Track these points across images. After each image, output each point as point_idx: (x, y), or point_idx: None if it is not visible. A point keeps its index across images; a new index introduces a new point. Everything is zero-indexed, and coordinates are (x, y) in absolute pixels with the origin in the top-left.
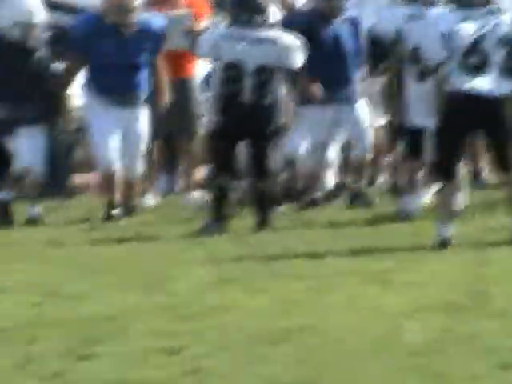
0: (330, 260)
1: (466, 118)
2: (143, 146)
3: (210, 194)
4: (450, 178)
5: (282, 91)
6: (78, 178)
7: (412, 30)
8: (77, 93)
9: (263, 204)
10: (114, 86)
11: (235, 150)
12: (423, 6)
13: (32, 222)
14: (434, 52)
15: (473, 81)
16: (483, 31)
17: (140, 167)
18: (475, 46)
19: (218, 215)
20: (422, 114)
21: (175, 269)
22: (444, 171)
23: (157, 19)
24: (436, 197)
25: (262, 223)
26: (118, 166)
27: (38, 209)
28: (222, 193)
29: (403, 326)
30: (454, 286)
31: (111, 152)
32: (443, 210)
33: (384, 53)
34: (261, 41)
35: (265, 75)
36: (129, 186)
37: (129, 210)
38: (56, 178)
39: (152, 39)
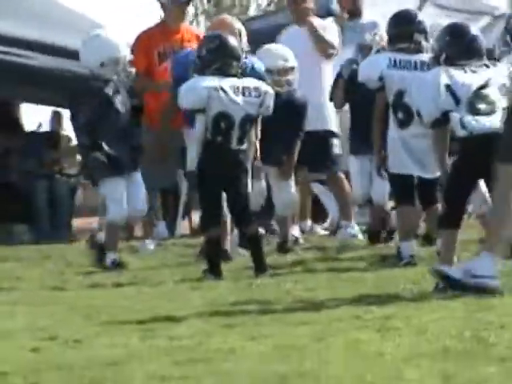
0: (330, 305)
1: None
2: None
3: (204, 245)
4: (458, 226)
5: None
6: (80, 222)
7: (396, 76)
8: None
9: (258, 249)
10: None
11: (221, 199)
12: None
13: None
14: (430, 110)
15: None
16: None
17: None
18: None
19: (214, 266)
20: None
21: (176, 313)
22: (453, 219)
23: (258, 62)
24: (440, 243)
25: (260, 268)
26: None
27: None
28: (214, 244)
29: (403, 372)
30: (454, 332)
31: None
32: (445, 256)
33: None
34: (244, 90)
35: (249, 123)
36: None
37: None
38: (57, 222)
39: None
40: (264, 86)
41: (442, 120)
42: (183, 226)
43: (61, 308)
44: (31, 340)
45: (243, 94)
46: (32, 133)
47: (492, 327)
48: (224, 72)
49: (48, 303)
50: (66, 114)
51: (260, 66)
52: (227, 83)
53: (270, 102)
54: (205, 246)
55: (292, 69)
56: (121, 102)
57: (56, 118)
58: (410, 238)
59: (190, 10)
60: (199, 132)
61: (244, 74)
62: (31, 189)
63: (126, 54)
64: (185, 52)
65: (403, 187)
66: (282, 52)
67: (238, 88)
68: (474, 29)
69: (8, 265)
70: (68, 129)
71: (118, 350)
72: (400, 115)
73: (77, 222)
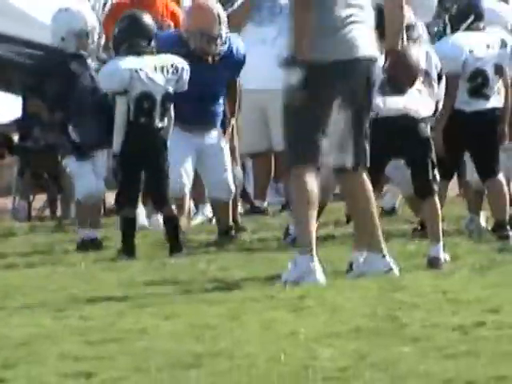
0: (245, 285)
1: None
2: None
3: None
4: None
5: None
6: None
7: None
8: None
9: (173, 229)
10: (193, 116)
11: (140, 179)
12: None
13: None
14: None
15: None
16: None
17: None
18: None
19: (128, 247)
20: None
21: (89, 294)
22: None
23: (239, 44)
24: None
25: (176, 247)
26: (187, 191)
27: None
28: (129, 224)
29: (317, 351)
30: (367, 312)
31: (183, 177)
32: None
33: None
34: (163, 69)
35: (169, 101)
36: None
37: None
38: None
39: (234, 67)
40: (180, 62)
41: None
42: None
43: None
44: None
45: (162, 72)
46: None
47: (405, 307)
48: (136, 51)
49: None
50: None
51: (242, 49)
52: (146, 62)
53: (186, 78)
54: (120, 226)
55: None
56: (91, 77)
57: None
58: None
59: None
60: (121, 114)
61: (224, 57)
62: None
63: (92, 26)
64: (166, 32)
65: None
66: None
67: (155, 67)
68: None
69: None
70: None
71: (30, 329)
72: None
73: None
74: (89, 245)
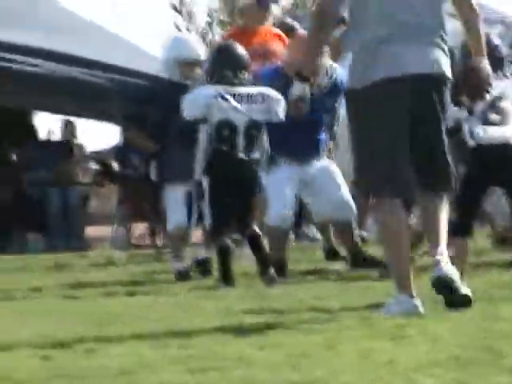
0: (342, 314)
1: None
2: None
3: (216, 255)
4: (468, 234)
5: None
6: (92, 230)
7: None
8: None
9: (259, 248)
10: (298, 146)
11: (232, 208)
12: None
13: None
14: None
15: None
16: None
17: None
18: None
19: (226, 275)
20: None
21: (188, 322)
22: (463, 227)
23: (342, 74)
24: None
25: (264, 266)
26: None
27: None
28: (225, 252)
29: (416, 381)
30: (465, 341)
31: (286, 209)
32: (457, 265)
33: None
34: (248, 97)
35: (256, 130)
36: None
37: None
38: (71, 231)
39: (337, 97)
40: (270, 92)
41: (455, 129)
42: (195, 235)
43: (74, 317)
44: (43, 348)
45: (246, 101)
46: (45, 142)
47: (503, 337)
48: (225, 81)
49: (61, 312)
50: (78, 122)
51: (345, 79)
52: (227, 90)
53: (278, 108)
54: (216, 254)
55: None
56: None
57: (68, 127)
58: None
59: (204, 19)
60: (202, 142)
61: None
62: (44, 198)
63: (198, 56)
64: (271, 66)
65: None
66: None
67: (239, 95)
68: (496, 38)
69: (21, 274)
70: (80, 137)
71: (130, 358)
72: None
73: (90, 231)
74: (180, 275)
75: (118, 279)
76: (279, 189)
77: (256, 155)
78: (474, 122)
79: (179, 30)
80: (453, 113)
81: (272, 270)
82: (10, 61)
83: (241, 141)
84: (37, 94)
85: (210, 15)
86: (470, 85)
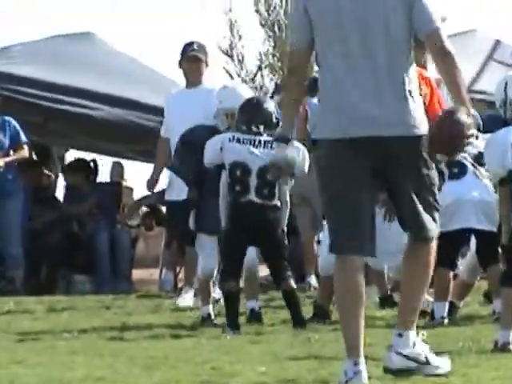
0: None
1: None
2: None
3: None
4: None
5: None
6: (140, 273)
7: None
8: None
9: (293, 303)
10: None
11: (244, 253)
12: None
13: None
14: (496, 168)
15: None
16: None
17: None
18: None
19: (232, 320)
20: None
21: (234, 366)
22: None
23: None
24: (501, 302)
25: (300, 323)
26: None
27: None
28: (232, 298)
29: None
30: None
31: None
32: (506, 315)
33: None
34: (267, 143)
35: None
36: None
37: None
38: (118, 272)
39: None
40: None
41: (508, 179)
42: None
43: (120, 359)
44: None
45: (264, 146)
46: (97, 183)
47: None
48: (249, 132)
49: (107, 354)
50: (126, 164)
51: None
52: (244, 136)
53: (300, 160)
54: (224, 300)
55: None
56: None
57: (117, 169)
58: (444, 299)
59: (255, 63)
60: (223, 188)
61: None
62: (93, 239)
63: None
64: None
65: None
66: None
67: (258, 141)
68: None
69: (68, 314)
70: (129, 180)
71: None
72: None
73: (137, 273)
74: (207, 321)
75: (165, 322)
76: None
77: (274, 202)
78: None
79: (229, 74)
80: (505, 162)
81: (305, 326)
82: (64, 103)
83: (253, 182)
84: (91, 136)
85: (259, 59)
86: (441, 140)
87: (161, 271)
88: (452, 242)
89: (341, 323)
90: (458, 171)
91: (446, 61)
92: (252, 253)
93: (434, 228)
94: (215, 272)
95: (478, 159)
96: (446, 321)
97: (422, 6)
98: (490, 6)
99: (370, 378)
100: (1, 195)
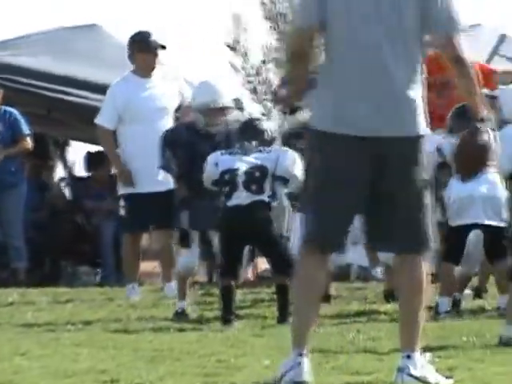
0: (393, 355)
1: None
2: None
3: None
4: None
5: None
6: (144, 265)
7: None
8: None
9: (284, 301)
10: None
11: (241, 253)
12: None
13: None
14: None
15: None
16: None
17: None
18: None
19: (227, 315)
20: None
21: (238, 359)
22: None
23: None
24: (508, 296)
25: (283, 317)
26: None
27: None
28: (227, 292)
29: None
30: None
31: None
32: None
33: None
34: (258, 149)
35: (260, 173)
36: None
37: None
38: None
39: None
40: (283, 149)
41: None
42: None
43: (124, 351)
44: (94, 382)
45: (255, 152)
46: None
47: None
48: (242, 150)
49: (111, 346)
50: None
51: None
52: (236, 150)
53: (286, 162)
54: (219, 294)
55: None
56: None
57: None
58: (449, 294)
59: (259, 57)
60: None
61: None
62: (97, 231)
63: (223, 103)
64: None
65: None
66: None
67: (250, 149)
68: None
69: (72, 306)
70: None
71: None
72: None
73: (141, 266)
74: (181, 316)
75: (168, 314)
76: None
77: (263, 198)
78: None
79: (234, 68)
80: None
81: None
82: (69, 94)
83: (241, 178)
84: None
85: (265, 53)
86: (460, 161)
87: None
88: (459, 237)
89: (293, 314)
90: None
91: (462, 70)
92: (190, 256)
93: (427, 240)
94: (195, 269)
95: None
96: (450, 315)
97: (440, 2)
98: (494, 0)
99: (371, 372)
100: (3, 187)
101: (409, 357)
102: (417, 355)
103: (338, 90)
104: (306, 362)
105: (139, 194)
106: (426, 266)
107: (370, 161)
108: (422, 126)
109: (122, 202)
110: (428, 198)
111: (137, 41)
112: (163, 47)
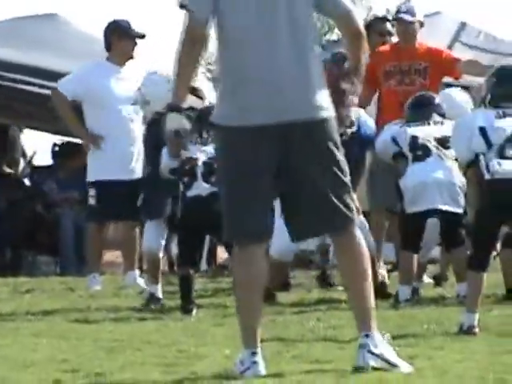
0: (354, 344)
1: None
2: None
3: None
4: (485, 269)
5: None
6: (106, 255)
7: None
8: None
9: (188, 289)
10: None
11: (201, 241)
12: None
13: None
14: (463, 151)
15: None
16: None
17: None
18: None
19: (186, 304)
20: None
21: (198, 349)
22: (479, 262)
23: (368, 123)
24: (467, 285)
25: (186, 308)
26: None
27: None
28: (186, 282)
29: None
30: (476, 375)
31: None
32: (472, 298)
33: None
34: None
35: None
36: None
37: None
38: (83, 254)
39: (362, 145)
40: None
41: (475, 162)
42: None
43: (84, 341)
44: (54, 372)
45: (211, 142)
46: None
47: None
48: (202, 141)
49: (72, 336)
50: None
51: (369, 129)
52: (196, 140)
53: None
54: (179, 284)
55: None
56: None
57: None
58: (409, 282)
59: None
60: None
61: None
62: (58, 220)
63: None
64: None
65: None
66: None
67: (207, 140)
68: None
69: (32, 296)
70: None
71: None
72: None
73: (103, 255)
74: (150, 300)
75: (129, 304)
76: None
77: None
78: (491, 156)
79: None
80: (472, 145)
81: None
82: (27, 83)
83: (200, 170)
84: (54, 117)
85: None
86: None
87: None
88: (416, 225)
89: (239, 314)
90: (421, 153)
91: (361, 42)
92: (156, 238)
93: (351, 213)
94: (160, 253)
95: (444, 143)
96: (410, 303)
97: None
98: None
99: (332, 361)
100: None
101: (367, 336)
102: (376, 335)
103: (234, 81)
104: (261, 359)
105: (109, 181)
106: (362, 240)
107: (277, 147)
108: (324, 107)
109: (91, 191)
110: (346, 176)
111: (117, 28)
112: (143, 36)
